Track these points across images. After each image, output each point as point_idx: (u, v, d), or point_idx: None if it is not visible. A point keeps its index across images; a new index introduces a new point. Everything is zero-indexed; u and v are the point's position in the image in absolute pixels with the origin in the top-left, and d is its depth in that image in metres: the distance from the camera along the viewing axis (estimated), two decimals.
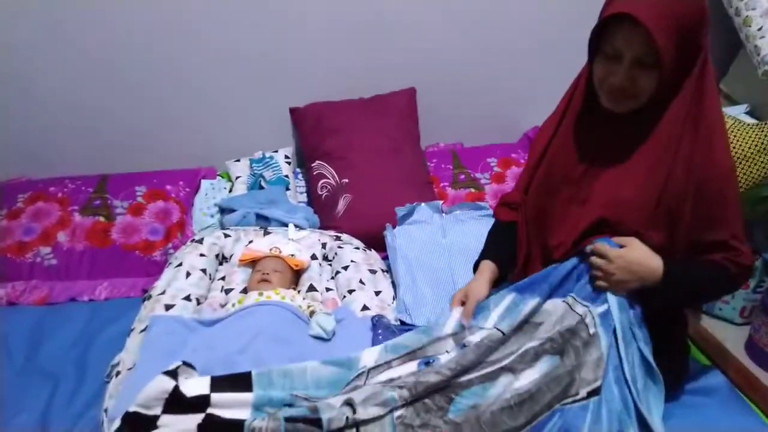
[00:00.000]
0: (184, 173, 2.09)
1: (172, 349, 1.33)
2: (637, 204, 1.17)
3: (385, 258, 1.82)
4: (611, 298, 1.19)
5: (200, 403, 1.07)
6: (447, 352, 1.25)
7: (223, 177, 2.19)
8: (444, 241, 1.76)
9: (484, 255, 1.38)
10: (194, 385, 1.09)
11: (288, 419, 1.05)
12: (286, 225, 1.89)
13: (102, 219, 1.89)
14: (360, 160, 2.03)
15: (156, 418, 1.06)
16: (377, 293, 1.64)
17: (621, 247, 1.17)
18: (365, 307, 1.57)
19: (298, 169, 2.26)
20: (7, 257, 1.78)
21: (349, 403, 1.10)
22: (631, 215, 1.18)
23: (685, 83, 1.10)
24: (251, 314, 1.44)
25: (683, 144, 1.12)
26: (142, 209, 1.93)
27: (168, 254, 1.83)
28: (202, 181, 2.11)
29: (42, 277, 1.77)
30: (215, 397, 1.08)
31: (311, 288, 1.68)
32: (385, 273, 1.76)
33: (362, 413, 1.08)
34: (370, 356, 1.25)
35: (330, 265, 1.82)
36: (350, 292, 1.64)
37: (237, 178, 2.13)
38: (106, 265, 1.80)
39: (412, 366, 1.24)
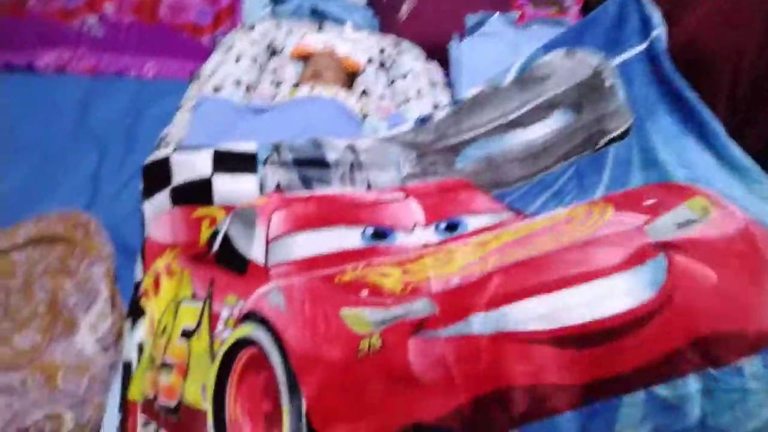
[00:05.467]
0: None
1: (220, 130, 1.29)
2: None
3: (447, 75, 1.67)
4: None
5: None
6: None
7: None
8: (516, 59, 1.58)
9: None
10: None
11: (296, 161, 1.07)
12: (342, 23, 1.73)
13: None
14: None
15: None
16: (436, 107, 1.53)
17: None
18: None
19: None
20: (54, 22, 1.70)
21: (351, 148, 1.11)
22: None
23: None
24: (302, 106, 1.37)
25: None
26: None
27: (216, 40, 1.72)
28: None
29: (89, 46, 1.70)
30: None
31: (365, 92, 1.58)
32: (447, 88, 1.63)
33: (366, 158, 1.10)
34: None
35: (386, 73, 1.69)
36: (407, 101, 1.53)
37: None
38: (153, 42, 1.72)
39: (408, 124, 1.23)
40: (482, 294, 0.78)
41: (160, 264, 1.02)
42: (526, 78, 1.18)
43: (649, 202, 0.88)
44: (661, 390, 0.66)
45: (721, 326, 0.67)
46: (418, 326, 0.78)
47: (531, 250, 0.84)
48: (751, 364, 0.65)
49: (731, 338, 0.67)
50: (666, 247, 0.76)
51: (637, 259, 0.75)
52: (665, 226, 0.80)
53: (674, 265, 0.72)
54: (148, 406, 0.85)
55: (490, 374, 0.70)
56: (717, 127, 0.99)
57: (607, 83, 1.10)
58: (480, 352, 0.71)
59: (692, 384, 0.66)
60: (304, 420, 0.73)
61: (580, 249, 0.79)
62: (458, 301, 0.80)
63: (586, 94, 1.12)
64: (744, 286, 0.71)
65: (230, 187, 1.07)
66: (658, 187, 0.92)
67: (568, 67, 1.15)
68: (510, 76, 1.24)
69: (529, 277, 0.77)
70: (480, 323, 0.73)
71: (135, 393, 0.87)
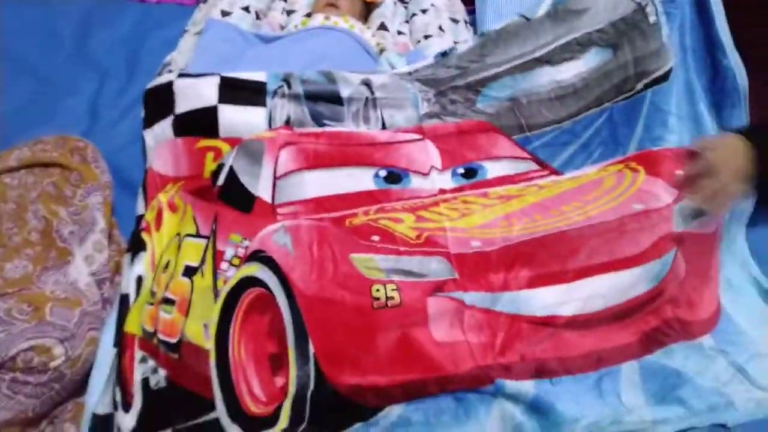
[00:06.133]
0: None
1: (227, 57, 1.21)
2: None
3: (471, 12, 1.56)
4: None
5: None
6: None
7: None
8: None
9: None
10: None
11: (307, 95, 1.02)
12: None
13: None
14: None
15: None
16: (456, 44, 1.44)
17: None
18: None
19: None
20: None
21: (366, 84, 1.05)
22: None
23: None
24: (315, 37, 1.28)
25: None
26: None
27: None
28: None
29: None
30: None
31: (382, 26, 1.48)
32: (469, 26, 1.52)
33: (381, 94, 1.05)
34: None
35: (405, 7, 1.58)
36: (426, 37, 1.43)
37: None
38: None
39: (428, 60, 1.15)
40: (507, 269, 0.81)
41: (162, 198, 0.97)
42: (561, 10, 1.08)
43: (680, 173, 0.88)
44: (653, 357, 0.81)
45: (686, 316, 0.84)
46: (437, 287, 0.81)
47: (558, 221, 0.86)
48: (706, 340, 0.84)
49: (693, 324, 0.84)
50: (679, 241, 0.84)
51: (655, 252, 0.82)
52: (687, 211, 0.85)
53: (676, 260, 0.83)
54: (146, 341, 0.81)
55: (503, 349, 0.76)
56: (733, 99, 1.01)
57: (651, 18, 1.02)
58: (498, 328, 0.77)
59: (677, 350, 0.82)
60: (312, 362, 0.70)
61: (607, 234, 0.83)
62: (481, 271, 0.82)
63: (626, 32, 1.04)
64: (700, 282, 0.86)
65: (237, 118, 1.00)
66: (688, 153, 0.90)
67: (611, 1, 1.06)
68: (542, 11, 1.14)
69: (554, 263, 0.81)
70: (504, 302, 0.79)
71: (132, 325, 0.83)
